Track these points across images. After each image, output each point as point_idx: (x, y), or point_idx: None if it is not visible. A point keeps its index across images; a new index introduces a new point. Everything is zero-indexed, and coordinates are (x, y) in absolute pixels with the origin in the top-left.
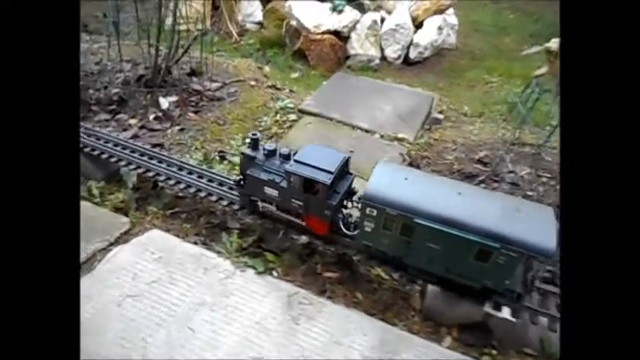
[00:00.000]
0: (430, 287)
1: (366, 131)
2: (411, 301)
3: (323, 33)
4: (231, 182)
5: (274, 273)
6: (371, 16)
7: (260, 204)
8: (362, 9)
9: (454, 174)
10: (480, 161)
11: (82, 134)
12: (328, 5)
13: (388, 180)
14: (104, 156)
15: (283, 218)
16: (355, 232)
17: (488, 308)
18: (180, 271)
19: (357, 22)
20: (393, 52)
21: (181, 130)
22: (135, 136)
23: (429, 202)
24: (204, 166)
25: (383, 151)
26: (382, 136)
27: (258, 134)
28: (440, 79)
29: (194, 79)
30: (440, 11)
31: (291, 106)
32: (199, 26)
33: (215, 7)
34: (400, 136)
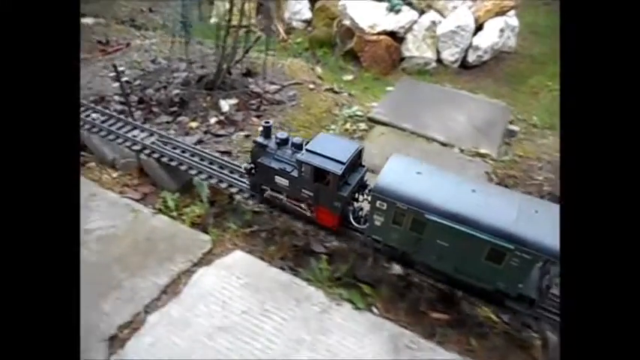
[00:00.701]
0: (552, 337)
1: (443, 144)
2: (532, 351)
3: (379, 34)
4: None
5: (374, 309)
6: (429, 17)
7: (270, 193)
8: (414, 9)
9: (544, 197)
10: None
11: (156, 142)
12: (385, 5)
13: (400, 173)
14: (174, 164)
15: (292, 208)
16: (365, 226)
17: None
18: (271, 301)
19: (415, 22)
20: (450, 54)
21: (247, 136)
22: (200, 142)
23: (441, 197)
24: None
25: (465, 167)
26: (462, 151)
27: (271, 122)
28: (500, 85)
29: (250, 80)
30: (502, 13)
31: (360, 114)
32: (250, 26)
33: (259, 4)
34: (482, 151)
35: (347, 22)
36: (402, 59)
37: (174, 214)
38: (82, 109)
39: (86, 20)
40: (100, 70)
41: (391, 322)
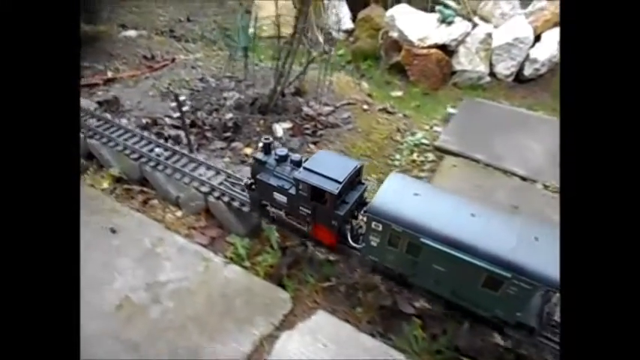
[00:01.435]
0: None
1: (524, 179)
2: None
3: (429, 47)
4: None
5: None
6: (484, 29)
7: (270, 209)
8: (468, 20)
9: None
10: None
11: (224, 183)
12: (435, 16)
13: (397, 194)
14: (246, 209)
15: (291, 225)
16: (361, 246)
17: None
18: None
19: (468, 34)
20: (505, 68)
21: None
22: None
23: (438, 221)
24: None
25: (553, 207)
26: (546, 187)
27: (271, 138)
28: (557, 99)
29: (300, 99)
30: None
31: (426, 142)
32: (306, 43)
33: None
34: None
35: (394, 34)
36: (453, 73)
37: (247, 263)
38: (143, 142)
39: (129, 33)
40: (148, 89)
41: None
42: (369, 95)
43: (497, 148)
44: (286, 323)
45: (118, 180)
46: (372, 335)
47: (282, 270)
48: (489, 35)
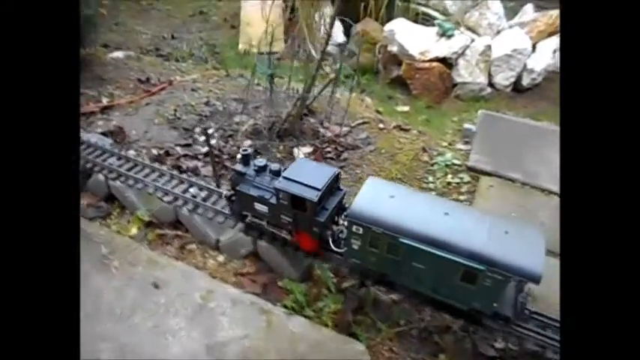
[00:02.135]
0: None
1: None
2: None
3: (430, 60)
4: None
5: None
6: (483, 41)
7: (250, 219)
8: (467, 32)
9: None
10: None
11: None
12: (434, 30)
13: (374, 197)
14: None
15: (273, 234)
16: (344, 250)
17: None
18: None
19: (467, 47)
20: (504, 79)
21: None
22: None
23: (414, 221)
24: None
25: None
26: None
27: (249, 150)
28: (557, 107)
29: (312, 120)
30: (555, 33)
31: (458, 162)
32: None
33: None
34: None
35: (393, 48)
36: (454, 85)
37: (309, 312)
38: (175, 181)
39: (117, 54)
40: (152, 115)
41: None
42: (377, 112)
43: (529, 166)
44: None
45: (147, 224)
46: None
47: (347, 316)
48: (489, 47)
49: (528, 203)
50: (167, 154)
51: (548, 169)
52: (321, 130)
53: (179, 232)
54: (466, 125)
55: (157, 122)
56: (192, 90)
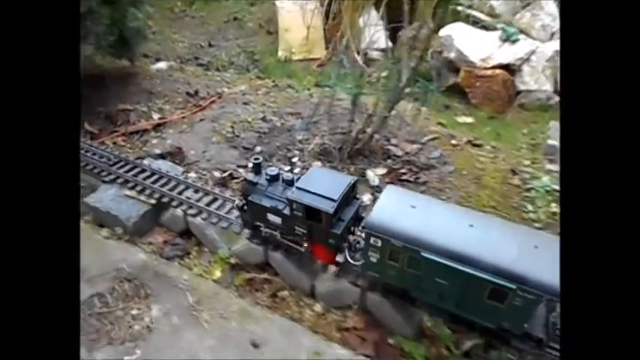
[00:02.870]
0: None
1: None
2: None
3: (493, 67)
4: None
5: None
6: (551, 46)
7: (263, 230)
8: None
9: None
10: None
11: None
12: (496, 34)
13: (394, 208)
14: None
15: (287, 246)
16: (361, 262)
17: None
18: None
19: (533, 53)
20: None
21: None
22: None
23: (437, 234)
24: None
25: None
26: None
27: (261, 158)
28: None
29: (376, 136)
30: None
31: (556, 187)
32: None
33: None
34: None
35: (450, 54)
36: (517, 93)
37: None
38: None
39: (160, 65)
40: (208, 133)
41: None
42: (441, 124)
43: None
44: None
45: (232, 266)
46: None
47: None
48: (557, 53)
49: None
50: (231, 177)
51: None
52: (391, 148)
53: (267, 276)
54: (549, 142)
55: (215, 141)
56: (244, 103)
